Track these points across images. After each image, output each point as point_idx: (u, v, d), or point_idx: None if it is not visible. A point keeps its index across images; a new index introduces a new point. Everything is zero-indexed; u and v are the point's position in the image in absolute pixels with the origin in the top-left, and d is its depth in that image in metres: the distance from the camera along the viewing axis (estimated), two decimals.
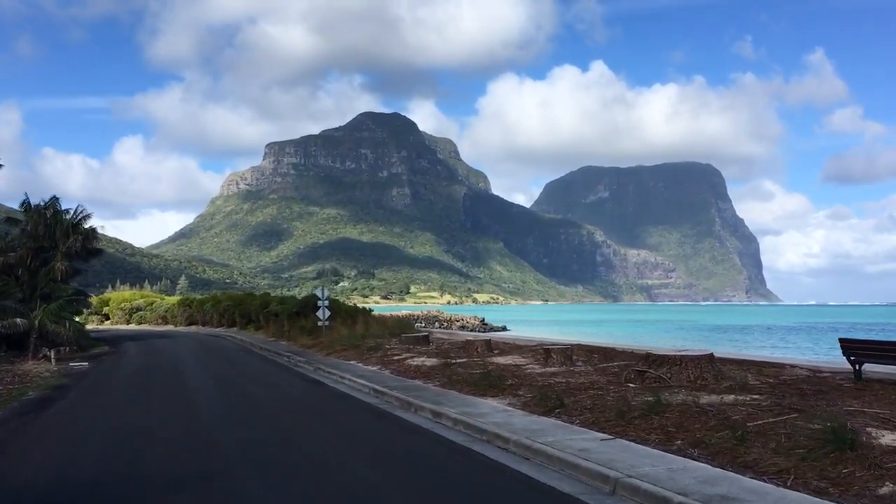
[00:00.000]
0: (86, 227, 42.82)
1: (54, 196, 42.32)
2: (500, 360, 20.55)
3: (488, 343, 23.73)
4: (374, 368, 21.14)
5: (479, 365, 18.93)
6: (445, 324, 74.88)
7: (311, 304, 38.50)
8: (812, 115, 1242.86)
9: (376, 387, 16.74)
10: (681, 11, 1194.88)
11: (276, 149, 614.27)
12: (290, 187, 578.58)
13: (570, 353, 19.80)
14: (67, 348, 34.15)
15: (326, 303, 34.20)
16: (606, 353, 21.00)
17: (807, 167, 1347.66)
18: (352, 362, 23.57)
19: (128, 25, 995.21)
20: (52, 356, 28.03)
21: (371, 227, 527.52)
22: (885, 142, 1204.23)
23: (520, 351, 22.73)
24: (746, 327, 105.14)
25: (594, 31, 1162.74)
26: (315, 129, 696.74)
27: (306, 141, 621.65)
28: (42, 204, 42.33)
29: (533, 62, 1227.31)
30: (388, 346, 26.18)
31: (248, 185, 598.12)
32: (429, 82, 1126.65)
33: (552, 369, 17.61)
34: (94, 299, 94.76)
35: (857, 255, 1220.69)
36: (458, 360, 20.75)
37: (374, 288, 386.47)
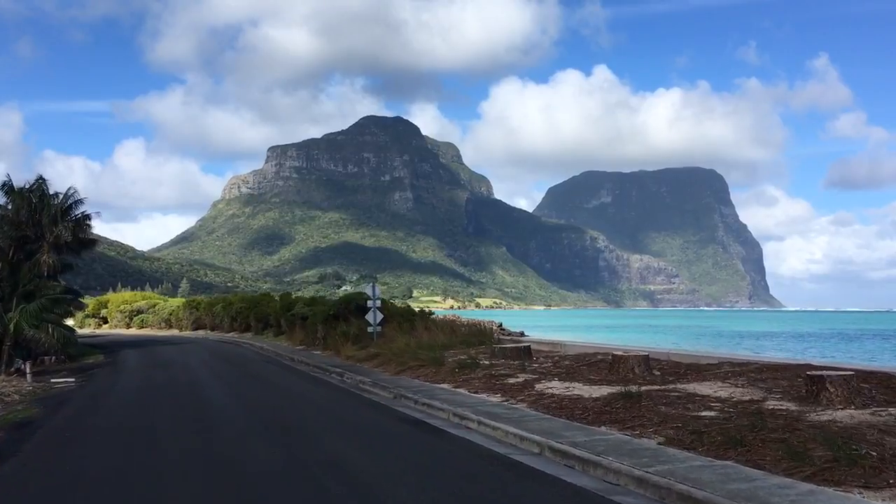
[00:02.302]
0: (77, 213, 36.29)
1: (41, 177, 35.67)
2: (699, 389, 13.92)
3: (646, 360, 16.68)
4: (496, 399, 14.66)
5: (686, 399, 12.37)
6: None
7: (352, 305, 32.10)
8: (816, 120, 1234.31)
9: (561, 446, 9.66)
10: (685, 16, 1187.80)
11: (279, 152, 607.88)
12: (292, 191, 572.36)
13: (852, 383, 11.85)
14: (53, 358, 27.82)
15: (378, 303, 27.72)
16: None
17: (810, 173, 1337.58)
18: (444, 385, 17.20)
19: (129, 27, 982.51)
20: (28, 370, 21.56)
21: (373, 231, 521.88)
22: (889, 147, 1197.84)
23: (702, 374, 15.87)
24: (779, 333, 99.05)
25: (599, 35, 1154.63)
26: (317, 133, 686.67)
27: (308, 144, 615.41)
28: (27, 186, 35.74)
29: (536, 66, 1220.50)
30: (482, 361, 19.69)
31: (249, 188, 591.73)
32: (432, 86, 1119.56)
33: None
34: (91, 301, 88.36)
35: (859, 262, 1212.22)
36: (640, 389, 13.47)
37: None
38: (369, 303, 27.97)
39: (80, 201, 37.26)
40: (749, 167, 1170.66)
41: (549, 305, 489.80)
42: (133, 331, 68.57)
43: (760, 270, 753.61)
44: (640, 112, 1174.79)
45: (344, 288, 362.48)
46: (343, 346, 28.50)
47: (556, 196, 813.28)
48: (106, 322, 76.79)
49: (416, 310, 32.49)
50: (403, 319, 28.76)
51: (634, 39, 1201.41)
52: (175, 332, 63.26)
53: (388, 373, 21.05)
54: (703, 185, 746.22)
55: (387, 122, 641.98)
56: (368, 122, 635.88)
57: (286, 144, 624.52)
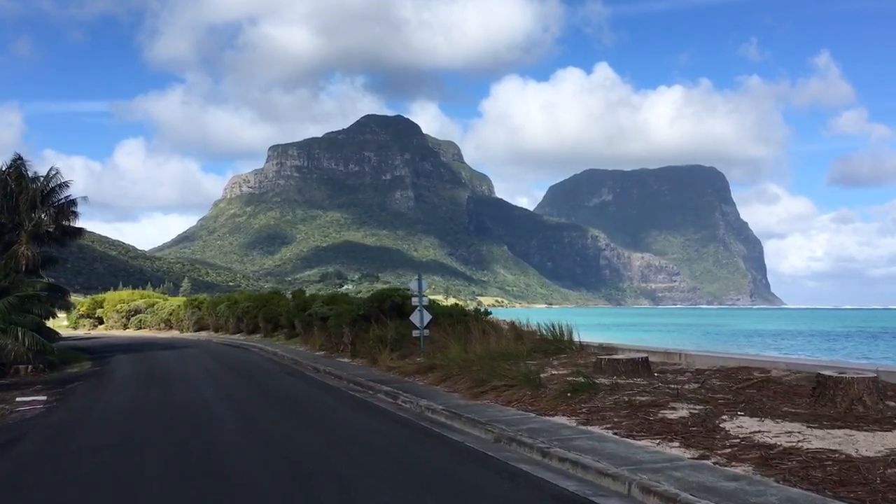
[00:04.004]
0: (61, 198, 31.11)
1: (18, 156, 30.42)
2: None
3: (874, 383, 11.24)
4: (680, 451, 9.34)
5: None
6: None
7: (387, 303, 26.87)
8: (818, 117, 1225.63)
9: None
10: (686, 14, 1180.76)
11: (279, 151, 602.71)
12: (293, 190, 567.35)
13: None
14: (30, 367, 22.74)
15: (426, 301, 22.50)
16: None
17: (812, 170, 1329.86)
18: (561, 419, 11.97)
19: (127, 26, 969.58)
20: None
21: (374, 230, 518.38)
22: (891, 144, 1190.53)
23: None
24: (804, 332, 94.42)
25: (601, 33, 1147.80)
26: (318, 132, 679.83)
27: (309, 143, 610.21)
28: (2, 168, 30.51)
29: (538, 64, 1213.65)
30: (598, 381, 14.49)
31: (250, 187, 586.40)
32: (433, 84, 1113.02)
33: None
34: (85, 300, 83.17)
35: (861, 259, 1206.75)
36: None
37: (371, 292, 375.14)
38: (414, 300, 22.74)
39: (64, 184, 32.11)
40: (751, 165, 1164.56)
41: (551, 304, 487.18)
42: (130, 332, 63.43)
43: (761, 268, 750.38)
44: (641, 110, 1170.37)
45: (346, 287, 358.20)
46: (380, 354, 23.31)
47: (557, 194, 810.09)
48: (101, 323, 71.60)
49: (470, 308, 27.29)
50: (454, 321, 23.54)
51: (636, 37, 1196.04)
52: (175, 333, 58.13)
53: (459, 394, 15.82)
54: (704, 183, 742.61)
55: (388, 120, 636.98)
56: (369, 121, 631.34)
57: (287, 143, 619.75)
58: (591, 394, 13.17)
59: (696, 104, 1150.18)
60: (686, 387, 13.53)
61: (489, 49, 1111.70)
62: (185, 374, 24.01)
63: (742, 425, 10.24)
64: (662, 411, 11.49)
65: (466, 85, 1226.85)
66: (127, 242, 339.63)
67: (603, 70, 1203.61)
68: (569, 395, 13.22)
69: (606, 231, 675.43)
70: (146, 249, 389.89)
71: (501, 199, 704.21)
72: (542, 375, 15.52)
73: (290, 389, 19.22)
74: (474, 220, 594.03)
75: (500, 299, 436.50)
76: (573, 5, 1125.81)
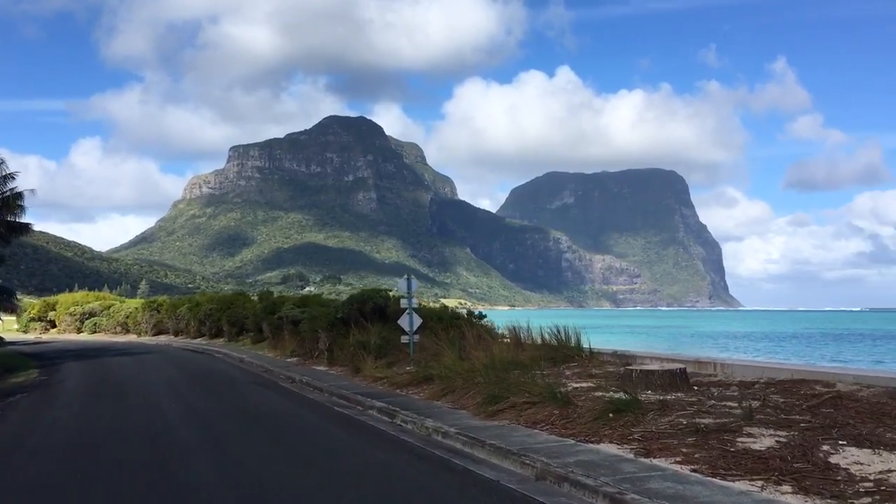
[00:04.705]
0: (6, 190, 28.29)
1: None
2: None
3: None
4: None
5: None
6: None
7: (368, 306, 24.48)
8: (775, 122, 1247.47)
9: None
10: (648, 19, 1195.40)
11: (241, 152, 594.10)
12: (254, 191, 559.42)
13: None
14: None
15: (414, 303, 20.15)
16: None
17: (769, 174, 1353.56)
18: (609, 447, 9.77)
19: (84, 22, 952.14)
20: None
21: (336, 232, 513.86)
22: (846, 150, 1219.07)
23: None
24: (774, 334, 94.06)
25: (563, 37, 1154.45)
26: (280, 133, 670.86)
27: (271, 144, 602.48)
28: None
29: (501, 67, 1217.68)
30: (640, 397, 12.32)
31: (211, 188, 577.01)
32: (396, 86, 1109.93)
33: None
34: (37, 302, 79.30)
35: (815, 262, 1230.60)
36: None
37: (341, 293, 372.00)
38: (402, 302, 20.39)
39: (9, 176, 29.24)
40: (710, 168, 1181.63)
41: (513, 306, 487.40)
42: (84, 336, 60.07)
43: (720, 271, 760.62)
44: (603, 113, 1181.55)
45: (308, 289, 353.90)
46: (363, 362, 20.93)
47: (520, 197, 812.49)
48: (54, 326, 67.98)
49: (462, 311, 24.96)
50: (446, 325, 21.27)
51: (598, 41, 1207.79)
52: (132, 337, 54.99)
53: (468, 412, 13.51)
54: (664, 187, 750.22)
55: (350, 121, 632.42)
56: (332, 122, 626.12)
57: (248, 144, 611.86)
58: (637, 414, 10.99)
59: (656, 108, 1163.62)
60: (744, 404, 11.45)
61: (452, 51, 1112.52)
62: (143, 385, 21.41)
63: (856, 459, 8.16)
64: (739, 438, 9.35)
65: (430, 87, 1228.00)
66: (83, 243, 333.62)
67: (565, 73, 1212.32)
68: (610, 415, 11.03)
69: (568, 233, 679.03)
70: (103, 251, 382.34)
71: (464, 201, 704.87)
72: (562, 390, 13.34)
73: (267, 405, 16.78)
74: (437, 222, 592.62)
75: (462, 301, 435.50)
76: (536, 9, 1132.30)
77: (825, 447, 8.65)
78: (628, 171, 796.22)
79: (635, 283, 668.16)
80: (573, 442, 10.33)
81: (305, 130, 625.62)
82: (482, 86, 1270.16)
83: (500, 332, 21.95)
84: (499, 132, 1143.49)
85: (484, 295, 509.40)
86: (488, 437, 10.90)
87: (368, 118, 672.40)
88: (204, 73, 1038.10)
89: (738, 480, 7.84)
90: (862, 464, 7.98)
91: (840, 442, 8.84)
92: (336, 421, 14.28)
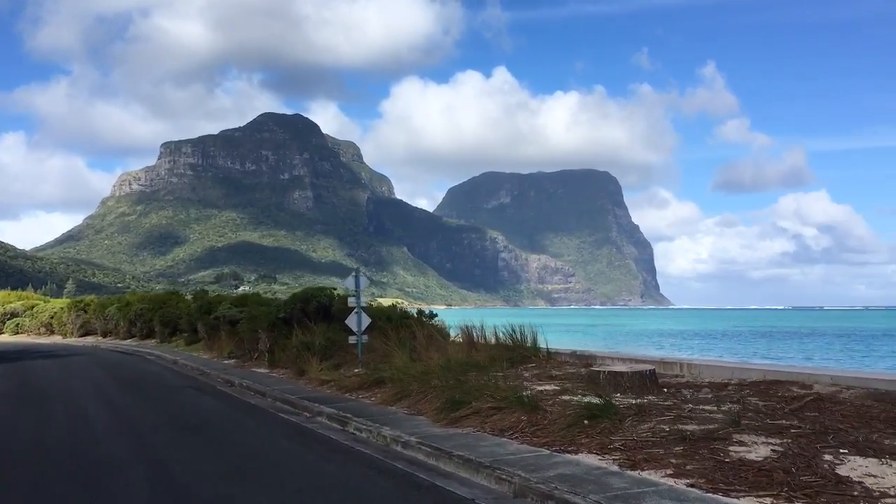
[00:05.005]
0: None
1: None
2: None
3: None
4: None
5: None
6: None
7: (312, 305, 23.30)
8: (704, 126, 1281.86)
9: None
10: (583, 22, 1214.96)
11: (172, 148, 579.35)
12: (186, 189, 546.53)
13: None
14: None
15: (363, 302, 19.10)
16: None
17: (699, 176, 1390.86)
18: (589, 458, 8.76)
19: (7, 13, 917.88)
20: None
21: (272, 230, 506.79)
22: (771, 153, 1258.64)
23: None
24: (707, 332, 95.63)
25: (500, 38, 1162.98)
26: (213, 129, 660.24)
27: (204, 141, 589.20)
28: None
29: (438, 67, 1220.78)
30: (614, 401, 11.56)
31: (141, 185, 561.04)
32: (333, 83, 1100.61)
33: None
34: None
35: (742, 261, 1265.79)
36: None
37: (276, 293, 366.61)
38: (351, 300, 19.33)
39: None
40: (642, 170, 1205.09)
41: (450, 305, 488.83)
42: (5, 337, 57.08)
43: (651, 270, 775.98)
44: (539, 114, 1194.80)
45: (242, 288, 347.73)
46: (307, 364, 19.78)
47: (457, 196, 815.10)
48: None
49: (412, 311, 23.90)
50: (395, 325, 20.27)
51: (534, 43, 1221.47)
52: (58, 338, 52.37)
53: (427, 418, 12.54)
54: (598, 187, 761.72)
55: (286, 119, 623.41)
56: (267, 119, 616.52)
57: (181, 140, 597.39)
58: (613, 420, 10.19)
59: (591, 110, 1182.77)
60: (724, 408, 10.80)
61: (390, 49, 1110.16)
62: (68, 391, 19.85)
63: (867, 470, 7.50)
64: (731, 447, 8.63)
65: (367, 85, 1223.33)
66: (6, 241, 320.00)
67: (502, 74, 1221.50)
68: (585, 422, 10.22)
69: (504, 233, 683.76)
70: (27, 249, 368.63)
71: (401, 201, 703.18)
72: (527, 393, 12.52)
73: (206, 412, 15.54)
74: (374, 221, 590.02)
75: (399, 301, 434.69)
76: (474, 9, 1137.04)
77: (827, 456, 7.99)
78: (563, 171, 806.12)
79: (570, 283, 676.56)
80: (548, 452, 9.48)
81: (240, 127, 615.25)
82: (419, 85, 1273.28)
83: (450, 332, 21.10)
84: (436, 131, 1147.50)
85: (421, 294, 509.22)
86: (454, 448, 9.98)
87: (305, 116, 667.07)
88: (134, 68, 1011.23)
89: (744, 497, 7.09)
90: (875, 476, 7.32)
91: (841, 451, 8.19)
92: (283, 429, 13.18)
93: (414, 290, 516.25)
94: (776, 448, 8.43)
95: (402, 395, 14.53)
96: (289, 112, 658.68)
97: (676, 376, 14.17)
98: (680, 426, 9.75)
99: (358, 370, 18.27)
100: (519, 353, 17.79)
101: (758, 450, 8.46)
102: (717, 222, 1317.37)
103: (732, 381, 13.01)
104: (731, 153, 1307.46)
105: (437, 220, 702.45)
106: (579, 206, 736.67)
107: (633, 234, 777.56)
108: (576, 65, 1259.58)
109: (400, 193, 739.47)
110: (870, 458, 7.84)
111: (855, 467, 7.58)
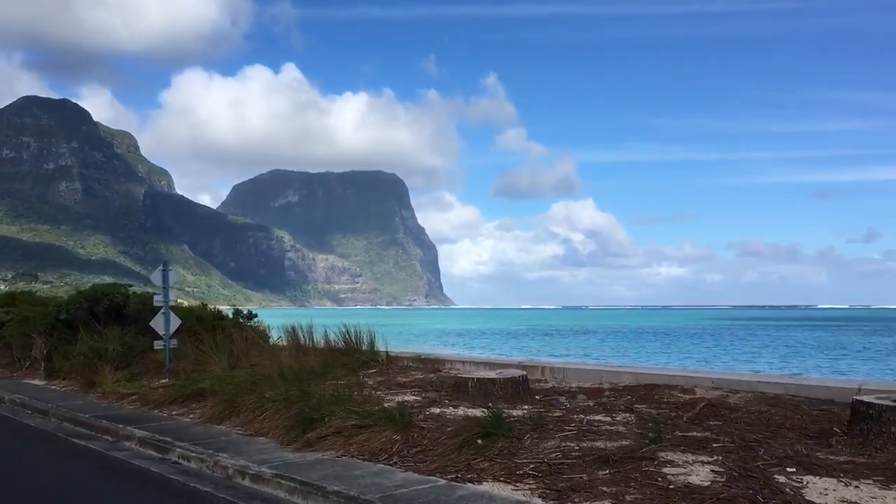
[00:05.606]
0: None
1: None
2: None
3: None
4: None
5: None
6: None
7: (103, 305, 19.93)
8: (487, 133, 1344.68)
9: None
10: (372, 24, 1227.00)
11: None
12: None
13: None
14: None
15: (172, 302, 16.36)
16: None
17: (481, 181, 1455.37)
18: (531, 499, 7.20)
19: None
20: None
21: (33, 224, 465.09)
22: (546, 162, 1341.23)
23: None
24: (492, 331, 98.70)
25: (290, 34, 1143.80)
26: None
27: None
28: None
29: (225, 59, 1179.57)
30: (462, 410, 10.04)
31: None
32: (106, 68, 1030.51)
33: None
34: None
35: (518, 263, 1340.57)
36: None
37: (37, 292, 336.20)
38: (157, 299, 16.52)
39: None
40: (428, 173, 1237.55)
41: (234, 305, 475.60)
42: None
43: (436, 271, 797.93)
44: (328, 114, 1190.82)
45: None
46: (100, 375, 16.71)
47: (242, 194, 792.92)
48: None
49: (221, 313, 20.97)
50: (209, 327, 17.67)
51: (325, 42, 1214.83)
52: None
53: (272, 440, 10.37)
54: (385, 189, 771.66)
55: (52, 104, 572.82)
56: (29, 103, 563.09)
57: None
58: (511, 439, 8.71)
59: (379, 112, 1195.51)
60: (617, 418, 9.70)
61: (172, 37, 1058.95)
62: None
63: (839, 495, 6.48)
64: (664, 469, 7.41)
65: (145, 72, 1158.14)
66: None
67: (291, 71, 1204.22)
68: (479, 441, 8.66)
69: (292, 232, 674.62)
70: None
71: (182, 196, 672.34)
72: (387, 405, 10.78)
73: None
74: (152, 217, 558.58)
75: (179, 301, 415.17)
76: (263, 3, 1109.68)
77: (780, 478, 6.96)
78: (352, 172, 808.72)
79: (357, 283, 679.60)
80: (445, 482, 7.79)
81: None
82: (204, 76, 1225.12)
83: (271, 334, 18.89)
84: (221, 126, 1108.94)
85: (203, 294, 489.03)
86: (324, 480, 8.01)
87: (73, 101, 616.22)
88: None
89: None
90: (849, 501, 6.35)
91: (788, 469, 7.22)
92: (81, 460, 10.48)
93: (195, 289, 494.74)
94: (715, 468, 7.32)
95: (230, 410, 12.22)
96: (55, 96, 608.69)
97: (540, 381, 13.03)
98: (589, 443, 8.44)
99: (165, 380, 15.61)
100: (355, 357, 15.99)
101: (696, 470, 7.30)
102: (497, 226, 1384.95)
103: (605, 386, 12.05)
104: (510, 160, 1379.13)
105: (221, 217, 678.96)
106: (367, 206, 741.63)
107: (419, 235, 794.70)
108: (365, 67, 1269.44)
109: (181, 189, 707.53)
110: (826, 479, 6.89)
111: (822, 490, 6.58)
